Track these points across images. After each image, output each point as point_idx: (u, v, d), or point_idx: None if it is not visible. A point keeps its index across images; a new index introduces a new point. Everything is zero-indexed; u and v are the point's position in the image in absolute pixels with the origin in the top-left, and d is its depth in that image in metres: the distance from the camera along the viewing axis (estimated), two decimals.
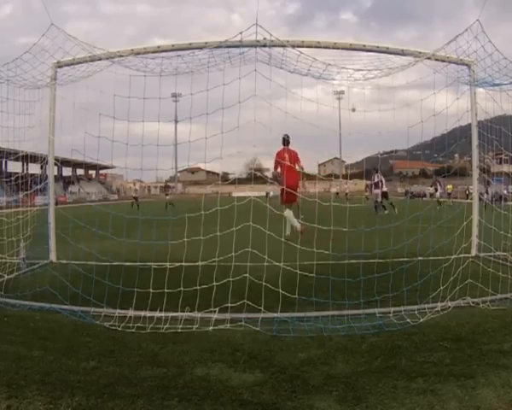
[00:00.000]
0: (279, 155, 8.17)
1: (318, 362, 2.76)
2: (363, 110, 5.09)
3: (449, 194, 27.27)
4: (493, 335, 3.16)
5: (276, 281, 3.78)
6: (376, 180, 17.13)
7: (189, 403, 2.25)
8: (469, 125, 6.29)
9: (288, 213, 7.73)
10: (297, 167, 8.20)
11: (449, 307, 3.76)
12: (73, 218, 5.31)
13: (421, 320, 3.46)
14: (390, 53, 5.55)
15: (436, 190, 23.78)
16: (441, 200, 21.78)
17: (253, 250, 4.00)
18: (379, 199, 16.66)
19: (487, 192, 18.21)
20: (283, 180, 7.59)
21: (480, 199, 6.51)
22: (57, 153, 6.53)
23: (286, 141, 8.29)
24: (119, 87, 4.51)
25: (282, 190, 7.59)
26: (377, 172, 18.03)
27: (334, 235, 4.29)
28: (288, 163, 7.74)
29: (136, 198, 25.01)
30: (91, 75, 5.71)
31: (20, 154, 6.09)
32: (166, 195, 25.66)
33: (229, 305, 3.65)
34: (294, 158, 8.07)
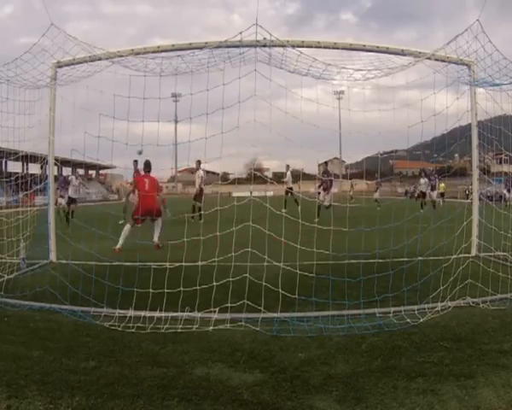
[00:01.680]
0: (138, 180, 8.32)
1: (318, 362, 2.76)
2: (362, 110, 5.10)
3: (441, 194, 26.62)
4: (493, 335, 3.16)
5: (275, 281, 3.78)
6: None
7: (189, 403, 2.25)
8: (469, 125, 6.30)
9: (127, 228, 7.46)
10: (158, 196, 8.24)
11: (449, 307, 3.76)
12: (73, 218, 5.30)
13: (422, 320, 3.46)
14: (390, 53, 5.55)
15: (377, 189, 24.12)
16: (379, 199, 21.85)
17: (253, 250, 4.00)
18: (325, 201, 13.37)
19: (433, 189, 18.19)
20: (139, 205, 7.69)
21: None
22: (57, 153, 6.54)
23: (147, 167, 8.30)
24: (118, 87, 4.52)
25: (137, 209, 7.63)
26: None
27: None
28: (147, 187, 7.87)
29: (72, 201, 13.46)
30: (91, 75, 5.71)
31: (20, 154, 6.09)
32: (70, 203, 13.33)
33: (229, 305, 3.64)
34: (155, 186, 8.10)
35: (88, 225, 4.93)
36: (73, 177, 14.05)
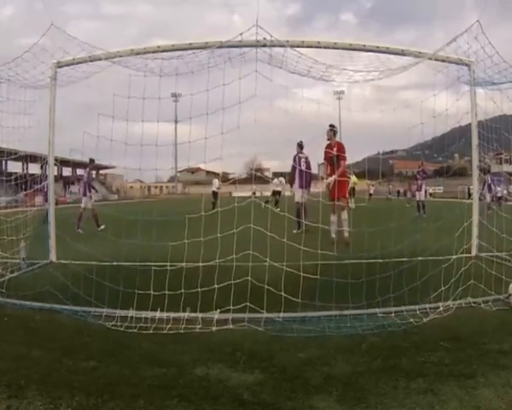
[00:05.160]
0: None
1: (318, 362, 2.76)
2: (363, 110, 5.11)
3: (353, 190, 21.38)
4: (493, 335, 3.15)
5: (278, 281, 3.77)
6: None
7: (189, 403, 2.25)
8: (469, 125, 6.29)
9: None
10: None
11: (451, 307, 3.75)
12: (74, 218, 5.31)
13: (425, 320, 3.45)
14: (390, 53, 5.55)
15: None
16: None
17: (254, 253, 4.00)
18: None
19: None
20: None
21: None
22: (57, 153, 6.54)
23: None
24: (119, 87, 4.51)
25: None
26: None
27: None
28: None
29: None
30: (91, 75, 5.72)
31: (20, 154, 6.10)
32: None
33: (231, 306, 3.63)
34: None
35: (89, 226, 4.93)
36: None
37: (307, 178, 9.93)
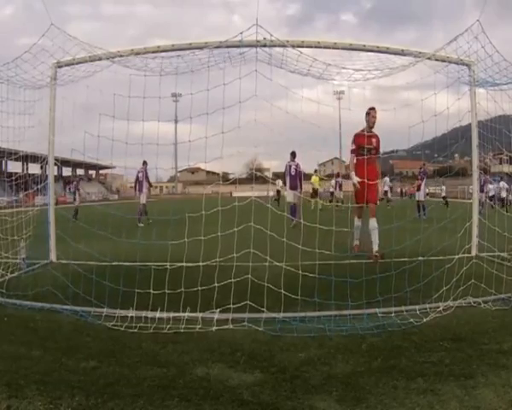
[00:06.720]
0: None
1: (318, 362, 2.76)
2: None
3: (315, 192, 21.08)
4: (493, 335, 3.15)
5: (277, 281, 3.77)
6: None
7: (189, 403, 2.25)
8: (470, 124, 6.29)
9: None
10: None
11: (451, 307, 3.74)
12: (74, 218, 5.30)
13: (425, 320, 3.45)
14: (390, 53, 5.55)
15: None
16: None
17: (255, 251, 4.00)
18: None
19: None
20: None
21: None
22: (57, 153, 6.53)
23: None
24: (119, 87, 4.51)
25: None
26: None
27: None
28: None
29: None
30: (91, 75, 5.71)
31: (21, 154, 6.10)
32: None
33: (232, 305, 3.63)
34: None
35: (89, 226, 4.94)
36: None
37: (296, 182, 12.03)
